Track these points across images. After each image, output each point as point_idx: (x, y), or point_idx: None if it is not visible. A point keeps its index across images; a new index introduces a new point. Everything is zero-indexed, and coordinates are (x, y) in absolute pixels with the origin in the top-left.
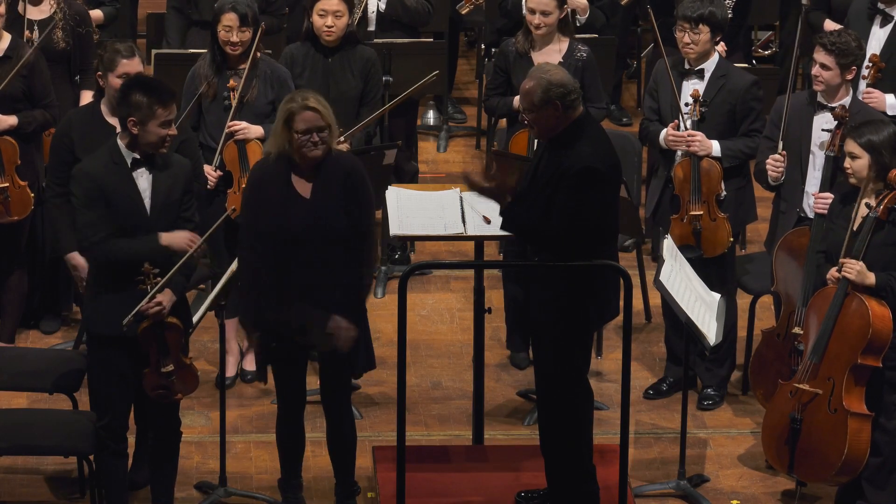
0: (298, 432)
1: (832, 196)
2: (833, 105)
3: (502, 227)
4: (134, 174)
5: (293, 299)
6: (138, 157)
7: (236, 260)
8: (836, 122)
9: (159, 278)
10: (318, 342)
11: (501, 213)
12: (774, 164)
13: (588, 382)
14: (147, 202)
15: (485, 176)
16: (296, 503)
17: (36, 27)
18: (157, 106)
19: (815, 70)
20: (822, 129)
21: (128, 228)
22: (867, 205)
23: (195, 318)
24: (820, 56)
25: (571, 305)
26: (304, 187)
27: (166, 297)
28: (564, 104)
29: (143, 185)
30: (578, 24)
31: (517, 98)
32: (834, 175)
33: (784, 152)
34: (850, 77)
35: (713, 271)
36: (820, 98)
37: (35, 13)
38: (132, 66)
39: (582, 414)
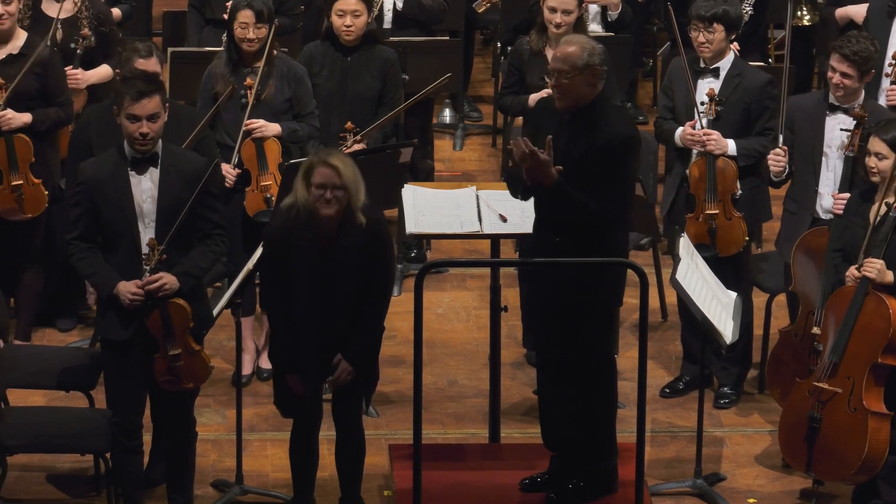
0: (313, 451)
1: (848, 195)
2: (847, 106)
3: (551, 199)
4: (135, 174)
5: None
6: (137, 155)
7: (250, 261)
8: (854, 122)
9: (165, 255)
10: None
11: (556, 184)
12: (775, 158)
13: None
14: (151, 202)
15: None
16: None
17: (59, 26)
18: (126, 97)
19: (837, 79)
20: (841, 129)
21: (115, 231)
22: (886, 203)
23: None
24: (842, 66)
25: (598, 285)
26: (327, 242)
27: (168, 277)
28: (602, 71)
29: (147, 185)
30: (610, 20)
31: (532, 96)
32: (853, 175)
33: (784, 147)
34: (868, 80)
35: (729, 270)
36: (832, 99)
37: (58, 11)
38: (148, 65)
39: (614, 390)
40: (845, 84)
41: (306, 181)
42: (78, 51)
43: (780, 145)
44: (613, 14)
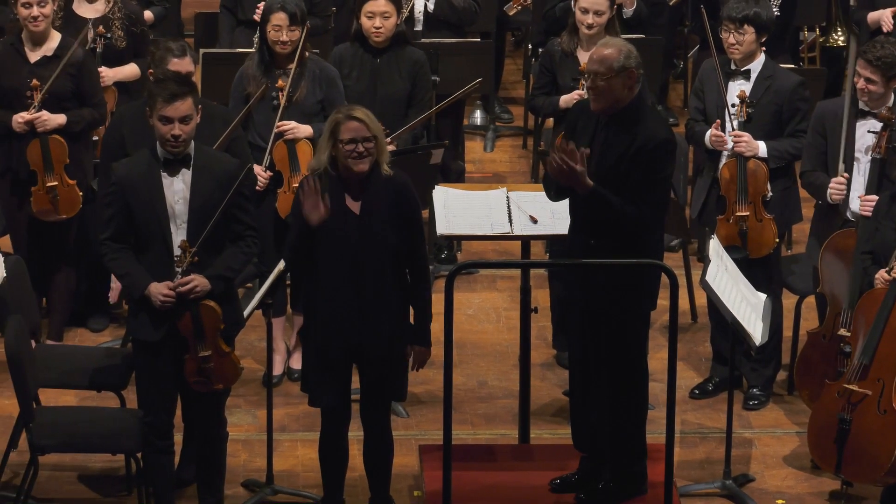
0: (342, 451)
1: (876, 197)
2: (876, 110)
3: (587, 204)
4: (167, 175)
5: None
6: (169, 156)
7: (281, 262)
8: (881, 125)
9: (196, 257)
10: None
11: (591, 192)
12: (838, 187)
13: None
14: (183, 203)
15: (558, 150)
16: None
17: (91, 26)
18: (159, 99)
19: (861, 84)
20: (868, 132)
21: (147, 232)
22: None
23: (243, 316)
24: (866, 72)
25: (634, 287)
26: (353, 203)
27: (200, 279)
28: (638, 73)
29: (179, 186)
30: (625, 17)
31: (563, 97)
32: (880, 177)
33: (847, 175)
34: (895, 85)
35: (759, 272)
36: (862, 105)
37: (90, 12)
38: (182, 65)
39: (646, 392)
40: (870, 89)
41: (333, 139)
42: (98, 49)
43: (842, 173)
44: (628, 11)
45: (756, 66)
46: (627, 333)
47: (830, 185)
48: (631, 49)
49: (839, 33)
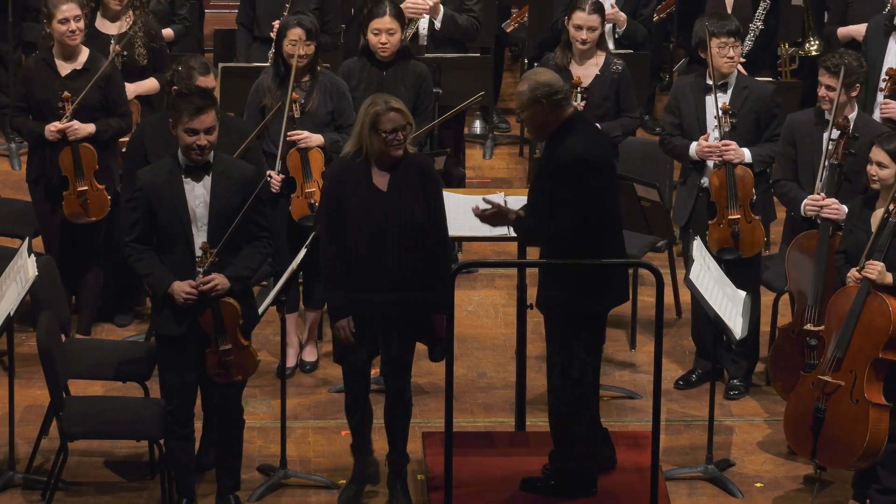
0: (366, 409)
1: (836, 201)
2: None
3: (521, 239)
4: (189, 181)
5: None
6: (191, 164)
7: (294, 262)
8: (838, 133)
9: (217, 258)
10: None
11: (515, 227)
12: (814, 207)
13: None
14: (204, 207)
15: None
16: (367, 464)
17: (113, 41)
18: (185, 112)
19: (822, 92)
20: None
21: (170, 234)
22: (886, 210)
23: (259, 312)
24: (825, 78)
25: (584, 291)
26: (381, 181)
27: (220, 278)
28: (550, 102)
29: (199, 191)
30: (617, 37)
31: None
32: (839, 182)
33: (823, 195)
34: (854, 94)
35: (746, 270)
36: (827, 115)
37: (112, 28)
38: (207, 81)
39: (590, 389)
40: (830, 96)
41: (375, 130)
42: (117, 65)
43: (819, 192)
44: (619, 31)
45: (732, 78)
46: (581, 330)
47: (807, 202)
48: (541, 82)
49: (811, 42)
